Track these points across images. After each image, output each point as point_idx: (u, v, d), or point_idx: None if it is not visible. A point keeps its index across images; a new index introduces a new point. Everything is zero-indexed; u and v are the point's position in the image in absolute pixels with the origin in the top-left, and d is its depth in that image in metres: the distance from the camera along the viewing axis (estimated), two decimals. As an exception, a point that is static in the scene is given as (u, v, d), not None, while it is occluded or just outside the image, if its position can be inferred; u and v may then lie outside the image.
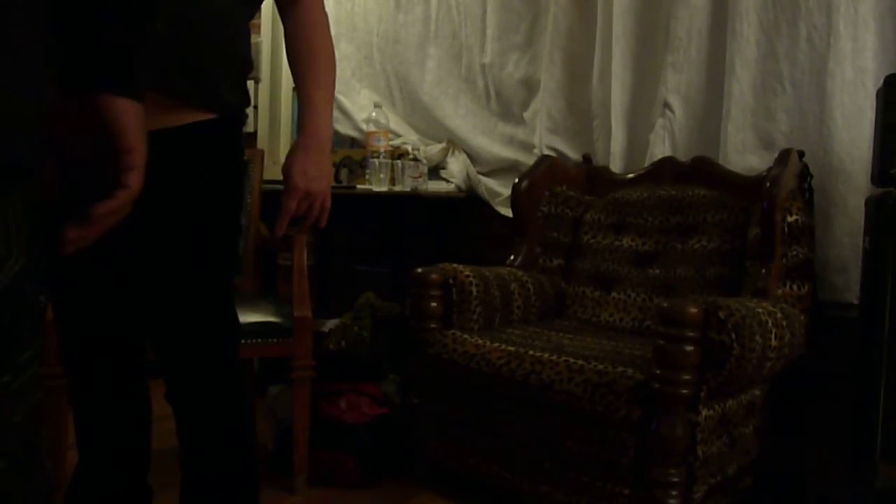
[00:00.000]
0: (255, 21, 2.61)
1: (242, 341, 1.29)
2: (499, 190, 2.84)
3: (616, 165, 2.52)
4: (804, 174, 2.03)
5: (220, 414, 1.21)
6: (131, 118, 0.74)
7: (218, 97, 1.14)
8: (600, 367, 1.67)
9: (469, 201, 2.93)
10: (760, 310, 1.63)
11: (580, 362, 1.70)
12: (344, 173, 3.08)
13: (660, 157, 2.39)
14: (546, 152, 2.65)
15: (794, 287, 1.88)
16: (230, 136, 1.19)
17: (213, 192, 1.15)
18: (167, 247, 1.13)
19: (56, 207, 0.75)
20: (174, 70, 1.07)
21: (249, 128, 3.52)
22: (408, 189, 2.76)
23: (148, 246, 1.13)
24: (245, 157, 1.59)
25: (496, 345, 1.89)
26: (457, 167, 2.96)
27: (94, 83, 0.73)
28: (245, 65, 1.22)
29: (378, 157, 2.82)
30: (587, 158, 2.60)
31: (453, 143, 2.99)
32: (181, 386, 1.19)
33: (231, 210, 1.21)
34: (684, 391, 1.53)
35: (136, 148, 0.75)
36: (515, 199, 2.45)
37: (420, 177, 2.80)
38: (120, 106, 0.73)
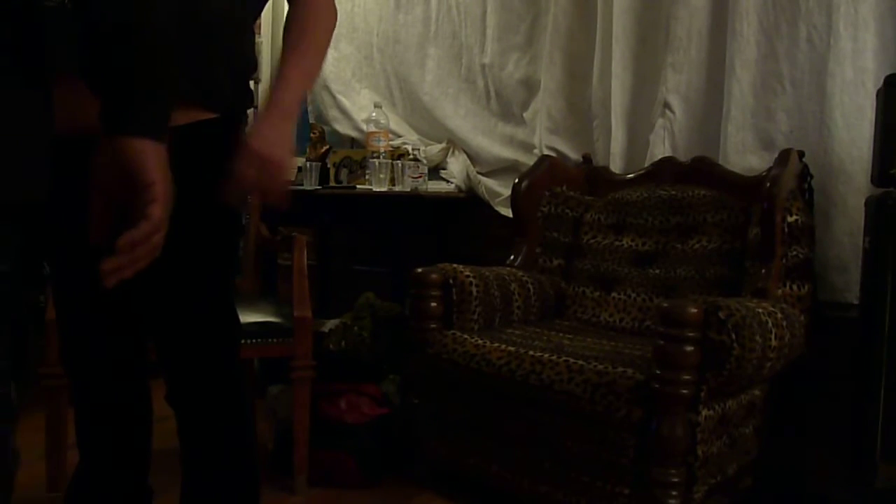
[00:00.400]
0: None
1: (242, 341, 1.28)
2: (499, 190, 2.84)
3: (616, 165, 2.52)
4: (804, 174, 2.03)
5: (221, 414, 1.21)
6: (150, 155, 0.82)
7: (220, 96, 1.14)
8: (600, 367, 1.67)
9: (469, 201, 2.93)
10: (760, 310, 1.63)
11: (580, 362, 1.70)
12: (344, 173, 3.08)
13: (660, 157, 2.39)
14: (546, 152, 2.65)
15: (794, 287, 1.88)
16: (232, 136, 1.19)
17: (215, 192, 1.15)
18: (167, 246, 1.13)
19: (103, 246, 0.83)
20: (179, 71, 1.07)
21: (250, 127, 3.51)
22: (408, 189, 2.76)
23: None
24: None
25: (496, 345, 1.89)
26: (457, 167, 2.96)
27: (113, 127, 0.82)
28: (248, 64, 1.21)
29: (378, 158, 2.82)
30: (587, 158, 2.60)
31: (453, 143, 2.99)
32: (181, 386, 1.19)
33: (232, 210, 1.20)
34: (684, 391, 1.53)
35: (156, 181, 0.82)
36: (515, 200, 2.45)
37: (420, 177, 2.80)
38: (138, 146, 0.81)
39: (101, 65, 0.82)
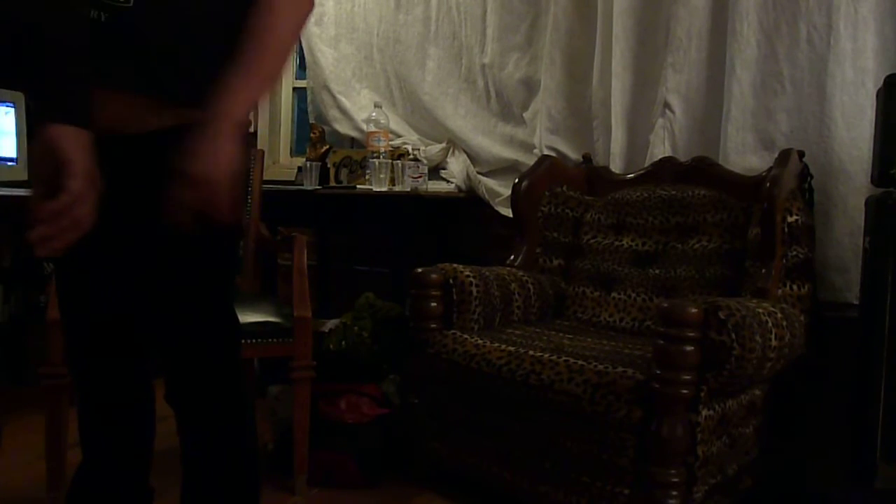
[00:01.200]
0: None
1: (242, 341, 1.28)
2: (499, 190, 2.84)
3: (616, 165, 2.53)
4: (804, 174, 2.04)
5: (220, 414, 1.21)
6: (69, 139, 0.94)
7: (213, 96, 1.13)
8: (600, 367, 1.67)
9: (469, 201, 2.93)
10: (760, 310, 1.63)
11: (580, 362, 1.70)
12: (344, 173, 3.08)
13: (660, 157, 2.39)
14: (546, 152, 2.65)
15: (795, 287, 1.88)
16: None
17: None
18: (166, 247, 1.13)
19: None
20: (168, 71, 1.07)
21: (249, 128, 3.51)
22: (408, 189, 2.76)
23: (147, 246, 1.13)
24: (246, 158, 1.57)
25: (496, 345, 1.89)
26: (457, 167, 2.96)
27: (39, 117, 0.96)
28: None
29: (378, 158, 2.82)
30: (587, 158, 2.60)
31: (453, 143, 2.99)
32: (181, 386, 1.19)
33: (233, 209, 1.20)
34: (684, 391, 1.53)
35: (74, 159, 0.93)
36: (515, 200, 2.45)
37: (420, 177, 2.80)
38: (58, 131, 0.94)
39: (21, 62, 0.95)
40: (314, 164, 2.95)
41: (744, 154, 2.24)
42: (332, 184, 3.06)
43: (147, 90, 1.06)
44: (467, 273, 2.09)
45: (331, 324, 2.46)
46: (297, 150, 3.70)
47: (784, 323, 1.68)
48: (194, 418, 1.20)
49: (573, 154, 2.66)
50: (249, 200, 2.48)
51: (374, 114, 3.01)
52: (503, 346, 1.87)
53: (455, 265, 2.12)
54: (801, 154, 2.03)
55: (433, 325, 2.04)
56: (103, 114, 1.04)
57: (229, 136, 1.05)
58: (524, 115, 2.82)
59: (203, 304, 1.17)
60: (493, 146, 2.89)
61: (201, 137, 1.04)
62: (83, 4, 1.01)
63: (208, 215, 1.04)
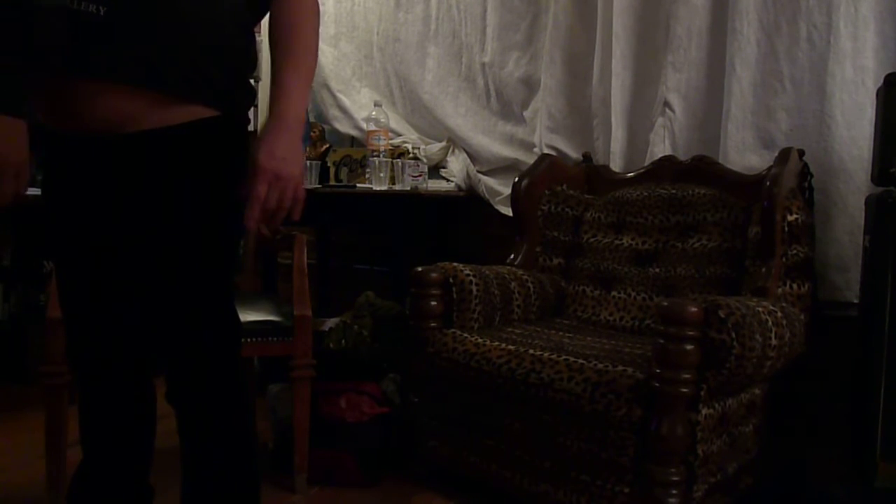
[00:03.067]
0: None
1: (242, 340, 1.28)
2: (499, 189, 2.84)
3: (616, 164, 2.52)
4: (804, 173, 2.04)
5: (221, 413, 1.21)
6: None
7: (222, 94, 1.13)
8: (600, 366, 1.67)
9: (469, 200, 2.93)
10: (760, 309, 1.63)
11: (580, 361, 1.70)
12: (344, 172, 3.08)
13: (660, 156, 2.39)
14: (546, 151, 2.65)
15: (795, 286, 1.88)
16: (233, 135, 1.18)
17: (215, 191, 1.15)
18: (167, 246, 1.13)
19: None
20: (169, 66, 1.06)
21: (250, 127, 3.52)
22: (408, 188, 2.76)
23: (149, 244, 1.13)
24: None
25: (496, 344, 1.89)
26: (457, 166, 2.96)
27: None
28: (249, 63, 1.20)
29: (378, 156, 2.82)
30: (587, 157, 2.60)
31: (453, 141, 2.99)
32: (182, 385, 1.19)
33: (232, 209, 1.20)
34: (684, 390, 1.53)
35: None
36: (515, 198, 2.45)
37: (420, 176, 2.80)
38: None
39: None
40: (314, 162, 2.95)
41: (744, 153, 2.24)
42: (332, 182, 3.06)
43: (149, 84, 1.05)
44: (467, 272, 2.09)
45: (331, 322, 2.46)
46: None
47: (784, 322, 1.68)
48: (195, 417, 1.20)
49: (573, 153, 2.66)
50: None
51: (373, 112, 3.01)
52: (503, 345, 1.87)
53: (455, 264, 2.12)
54: (801, 153, 2.03)
55: (433, 324, 2.04)
56: (103, 110, 1.04)
57: (298, 133, 1.13)
58: (524, 113, 2.82)
59: (204, 302, 1.17)
60: (493, 145, 2.89)
61: (273, 136, 1.11)
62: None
63: (283, 208, 1.11)
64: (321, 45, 3.32)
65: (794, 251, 1.88)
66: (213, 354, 1.19)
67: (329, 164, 3.09)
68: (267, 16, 1.23)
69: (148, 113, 1.07)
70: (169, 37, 1.06)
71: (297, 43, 1.17)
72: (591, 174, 2.55)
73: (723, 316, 1.53)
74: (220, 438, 1.21)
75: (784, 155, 1.98)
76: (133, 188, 1.10)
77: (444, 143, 3.00)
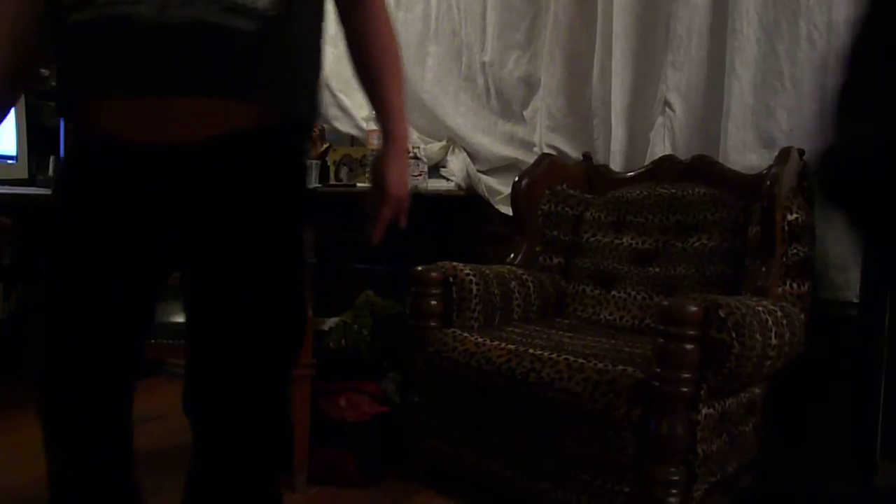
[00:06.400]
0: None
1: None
2: (499, 188, 2.83)
3: (616, 164, 2.52)
4: (804, 172, 2.03)
5: (255, 438, 1.06)
6: None
7: (296, 104, 1.04)
8: (600, 365, 1.67)
9: (469, 200, 2.93)
10: (760, 308, 1.63)
11: (580, 361, 1.70)
12: (344, 171, 3.08)
13: (660, 155, 2.39)
14: (546, 150, 2.65)
15: (794, 285, 1.88)
16: (302, 144, 1.11)
17: (294, 202, 1.06)
18: (248, 255, 1.02)
19: None
20: (282, 87, 0.99)
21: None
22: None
23: (224, 256, 1.01)
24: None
25: (496, 343, 1.89)
26: (457, 165, 2.96)
27: None
28: (319, 74, 1.12)
29: (378, 156, 2.82)
30: (587, 157, 2.60)
31: (453, 141, 2.99)
32: (226, 401, 1.03)
33: (301, 217, 1.09)
34: (684, 389, 1.53)
35: None
36: (515, 198, 2.45)
37: (420, 175, 2.80)
38: None
39: None
40: (314, 162, 2.95)
41: (744, 152, 2.23)
42: (332, 182, 3.06)
43: (266, 101, 0.99)
44: (467, 271, 2.09)
45: (331, 322, 2.46)
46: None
47: (784, 321, 1.68)
48: (231, 437, 1.04)
49: (573, 152, 2.66)
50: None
51: (374, 112, 3.00)
52: (503, 345, 1.87)
53: (455, 263, 2.12)
54: (802, 152, 2.03)
55: (433, 324, 2.04)
56: (194, 121, 0.95)
57: (407, 155, 1.22)
58: (524, 113, 2.82)
59: (272, 321, 1.05)
60: (493, 144, 2.89)
61: (393, 161, 1.19)
62: None
63: (396, 226, 1.22)
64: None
65: (794, 251, 1.88)
66: (274, 367, 1.07)
67: (329, 164, 3.09)
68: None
69: (223, 118, 0.98)
70: (289, 59, 1.01)
71: (393, 64, 1.20)
72: (591, 173, 2.55)
73: (723, 315, 1.53)
74: (246, 460, 1.06)
75: (784, 154, 1.98)
76: (212, 196, 1.00)
77: (443, 143, 3.00)
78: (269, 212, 1.03)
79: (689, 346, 1.53)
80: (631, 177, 2.43)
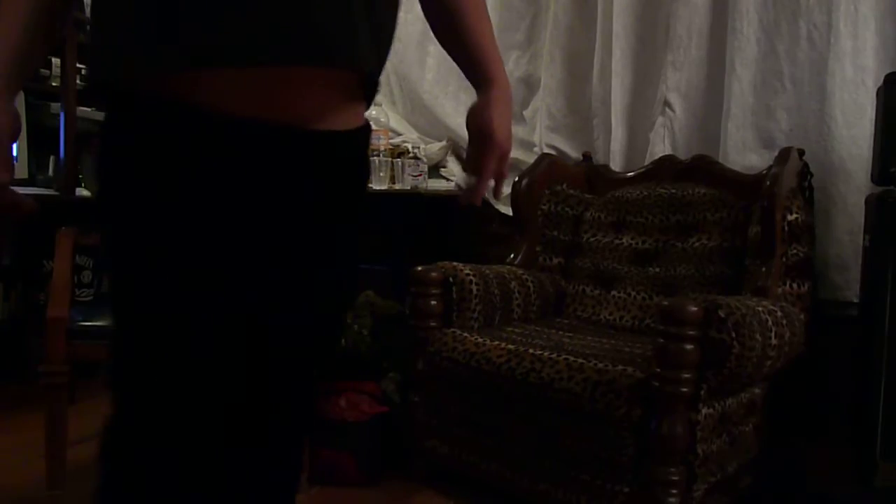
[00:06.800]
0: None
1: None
2: (499, 188, 2.83)
3: (616, 164, 2.52)
4: (804, 173, 2.04)
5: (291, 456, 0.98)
6: None
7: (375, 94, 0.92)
8: (600, 365, 1.67)
9: (469, 200, 2.92)
10: (760, 308, 1.63)
11: (580, 361, 1.70)
12: (344, 172, 3.08)
13: (660, 155, 2.39)
14: (546, 151, 2.65)
15: (794, 285, 1.88)
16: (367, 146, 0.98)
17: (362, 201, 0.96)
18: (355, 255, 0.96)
19: None
20: (379, 67, 0.86)
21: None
22: (408, 187, 2.76)
23: (342, 254, 0.94)
24: None
25: (496, 343, 1.89)
26: (457, 166, 2.96)
27: None
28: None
29: (378, 156, 2.82)
30: (587, 157, 2.60)
31: (453, 141, 2.99)
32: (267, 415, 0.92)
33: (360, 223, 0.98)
34: (684, 389, 1.53)
35: None
36: (515, 198, 2.45)
37: (420, 175, 2.80)
38: None
39: None
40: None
41: (744, 152, 2.24)
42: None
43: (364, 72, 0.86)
44: (467, 271, 2.09)
45: (331, 322, 2.45)
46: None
47: (784, 321, 1.68)
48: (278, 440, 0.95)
49: (573, 152, 2.66)
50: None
51: (373, 112, 3.01)
52: (503, 345, 1.87)
53: (455, 263, 2.12)
54: (801, 152, 2.03)
55: (433, 324, 2.04)
56: (310, 100, 0.81)
57: (511, 100, 1.06)
58: (524, 113, 2.82)
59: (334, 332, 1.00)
60: (493, 144, 2.88)
61: (498, 108, 1.03)
62: None
63: (500, 183, 1.05)
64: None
65: (794, 251, 1.88)
66: (310, 392, 0.98)
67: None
68: None
69: (340, 111, 0.86)
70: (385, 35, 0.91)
71: (481, 6, 1.10)
72: (591, 173, 2.55)
73: (723, 315, 1.53)
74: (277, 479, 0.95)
75: (784, 154, 1.98)
76: (331, 196, 0.88)
77: (444, 143, 3.00)
78: (359, 218, 0.94)
79: (689, 346, 1.53)
80: (631, 177, 2.43)
